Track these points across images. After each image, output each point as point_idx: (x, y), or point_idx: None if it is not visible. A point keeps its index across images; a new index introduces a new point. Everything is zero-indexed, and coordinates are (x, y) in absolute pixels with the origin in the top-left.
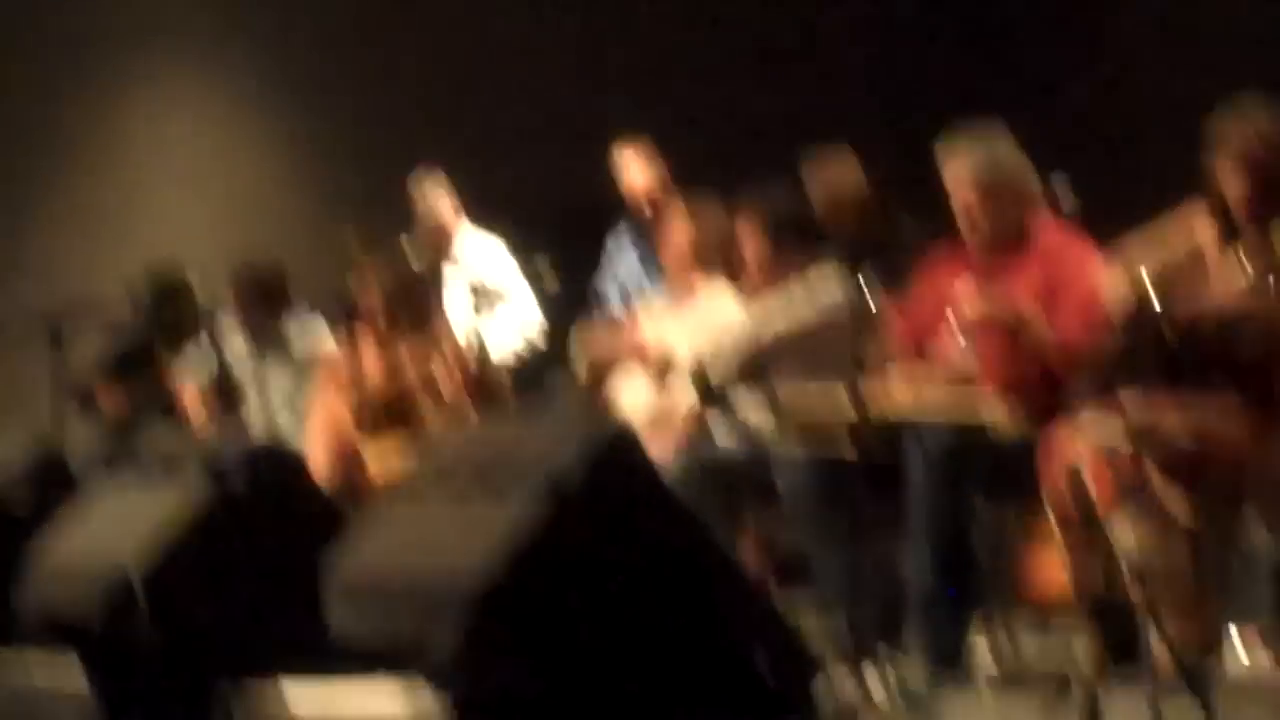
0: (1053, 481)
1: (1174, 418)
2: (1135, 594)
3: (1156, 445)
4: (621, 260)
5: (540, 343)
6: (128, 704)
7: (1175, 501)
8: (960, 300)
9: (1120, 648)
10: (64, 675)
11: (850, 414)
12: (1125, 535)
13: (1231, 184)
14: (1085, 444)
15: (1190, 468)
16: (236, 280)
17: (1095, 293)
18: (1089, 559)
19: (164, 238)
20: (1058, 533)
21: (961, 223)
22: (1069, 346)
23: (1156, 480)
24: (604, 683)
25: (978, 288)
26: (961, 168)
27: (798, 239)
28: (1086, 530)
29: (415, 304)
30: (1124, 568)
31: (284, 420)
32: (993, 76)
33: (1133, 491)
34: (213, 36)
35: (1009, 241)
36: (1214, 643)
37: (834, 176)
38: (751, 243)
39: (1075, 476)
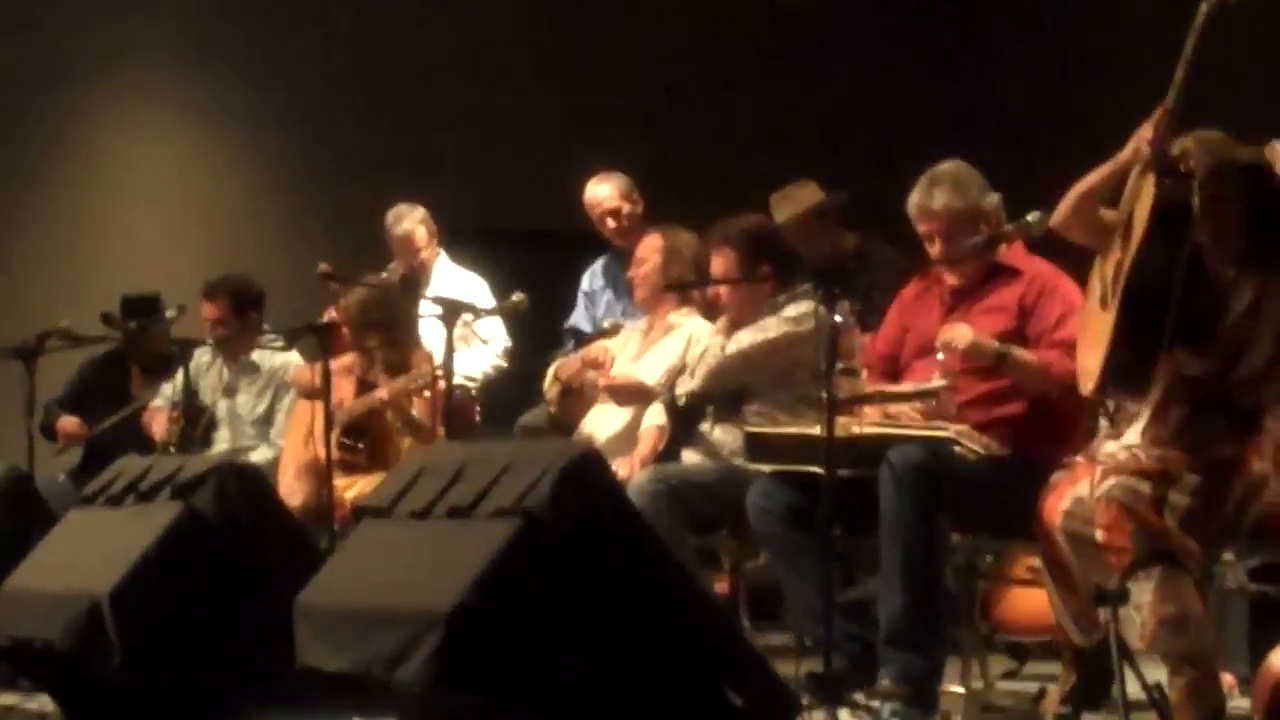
0: (1048, 521)
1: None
2: (1160, 647)
3: (1174, 486)
4: (597, 298)
5: (506, 365)
6: None
7: (1188, 551)
8: (944, 340)
9: (1094, 690)
10: (33, 700)
11: (820, 432)
12: (1145, 588)
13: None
14: (1104, 491)
15: (1203, 511)
16: (212, 291)
17: (1072, 316)
18: (1077, 603)
19: (135, 264)
20: (1048, 574)
21: (929, 252)
22: (1053, 371)
23: (1173, 527)
24: (574, 712)
25: (952, 326)
26: (923, 199)
27: (769, 263)
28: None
29: (388, 330)
30: (1142, 620)
31: (253, 443)
32: (969, 107)
33: (1152, 540)
34: (182, 62)
35: (979, 270)
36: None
37: (798, 206)
38: (722, 268)
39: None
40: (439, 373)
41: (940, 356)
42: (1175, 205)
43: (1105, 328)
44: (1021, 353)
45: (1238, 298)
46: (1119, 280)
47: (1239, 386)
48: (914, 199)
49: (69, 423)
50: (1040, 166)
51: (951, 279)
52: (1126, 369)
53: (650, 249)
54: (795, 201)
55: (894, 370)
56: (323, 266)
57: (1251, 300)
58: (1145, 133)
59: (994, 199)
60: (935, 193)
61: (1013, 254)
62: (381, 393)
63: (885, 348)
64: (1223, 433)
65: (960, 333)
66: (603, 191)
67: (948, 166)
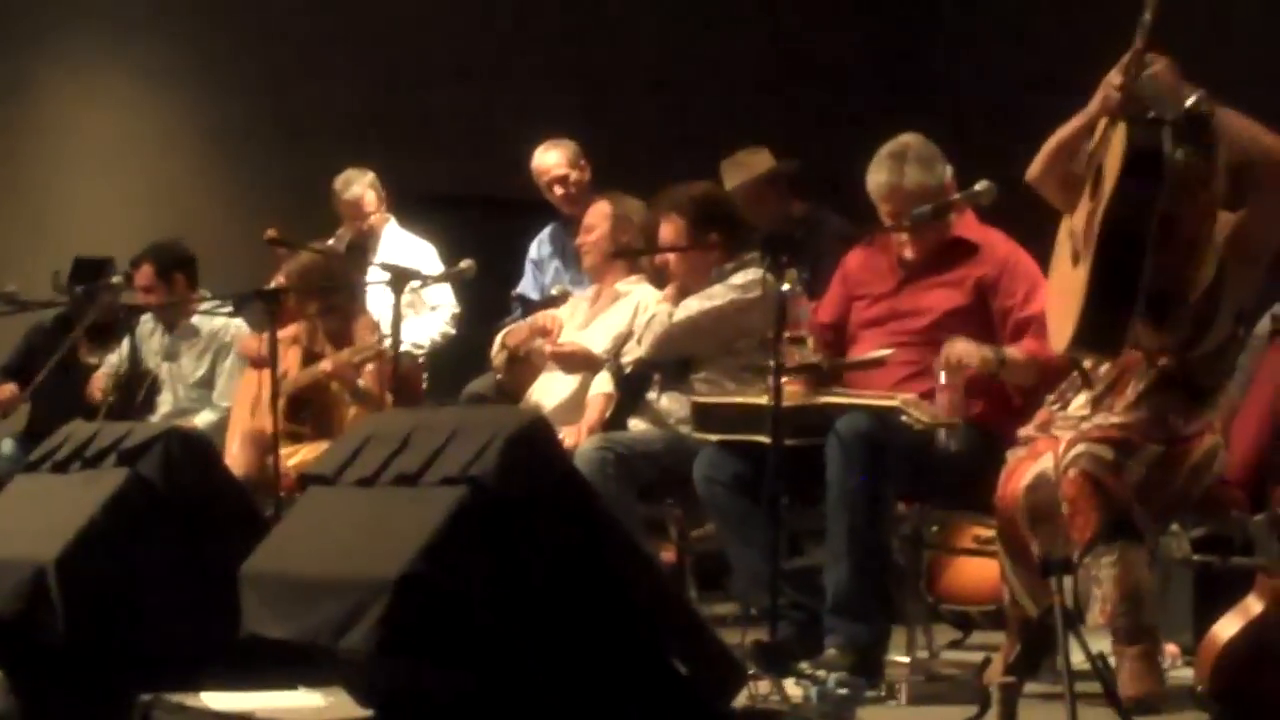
0: (1009, 503)
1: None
2: (1118, 621)
3: (1132, 456)
4: (544, 266)
5: (455, 332)
6: (42, 697)
7: (1144, 520)
8: (949, 361)
9: (1037, 660)
10: None
11: (766, 399)
12: (1107, 564)
13: None
14: (1070, 459)
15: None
16: (138, 258)
17: (1038, 290)
18: (1033, 577)
19: (82, 230)
20: (1004, 553)
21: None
22: (1043, 360)
23: (1135, 499)
24: (520, 680)
25: (952, 344)
26: (892, 177)
27: (718, 230)
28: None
29: (334, 296)
30: (1103, 594)
31: (195, 406)
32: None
33: (1115, 509)
34: (128, 28)
35: (934, 242)
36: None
37: (748, 173)
38: (671, 235)
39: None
40: (385, 344)
41: (942, 378)
42: (1147, 151)
43: (1078, 285)
44: (1014, 353)
45: (1203, 271)
46: (1091, 233)
47: (1199, 364)
48: (881, 177)
49: (3, 390)
50: (988, 136)
51: (906, 250)
52: (1100, 328)
53: (598, 216)
54: (746, 168)
55: (838, 340)
56: (270, 232)
57: (1215, 277)
58: (1113, 79)
59: (949, 170)
60: (907, 170)
61: (966, 226)
62: (326, 364)
63: (828, 317)
64: (1181, 409)
65: (965, 352)
66: (550, 159)
67: (909, 140)
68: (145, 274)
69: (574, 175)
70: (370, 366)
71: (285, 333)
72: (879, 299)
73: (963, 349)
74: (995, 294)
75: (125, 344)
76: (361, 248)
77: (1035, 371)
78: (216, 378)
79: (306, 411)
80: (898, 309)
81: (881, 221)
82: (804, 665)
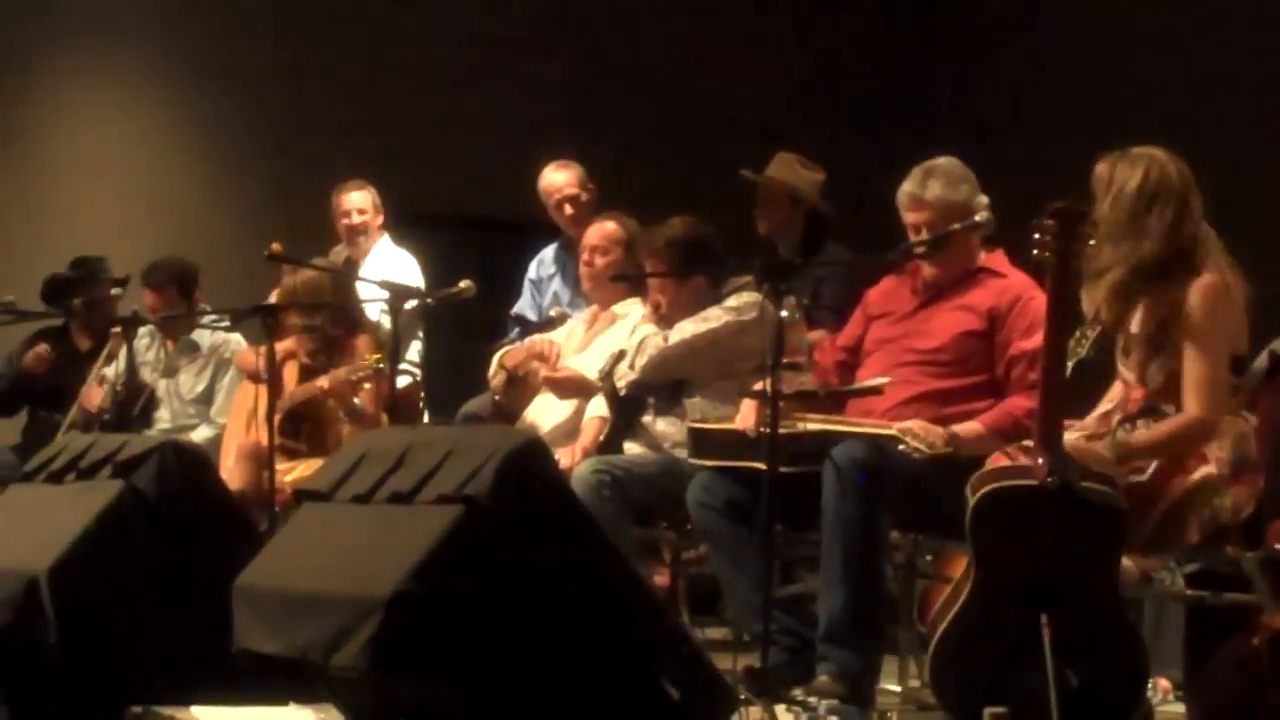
0: None
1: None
2: None
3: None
4: (543, 286)
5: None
6: (32, 708)
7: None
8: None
9: None
10: None
11: (762, 425)
12: None
13: None
14: None
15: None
16: (157, 280)
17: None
18: None
19: (77, 242)
20: None
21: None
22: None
23: None
24: (512, 700)
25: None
26: (915, 188)
27: (699, 267)
28: None
29: (330, 314)
30: None
31: (193, 422)
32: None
33: None
34: (126, 31)
35: (961, 269)
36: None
37: (792, 178)
38: (655, 280)
39: None
40: (381, 364)
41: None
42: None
43: None
44: (970, 428)
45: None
46: None
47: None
48: (906, 186)
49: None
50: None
51: (930, 271)
52: None
53: (604, 238)
54: (793, 175)
55: (853, 363)
56: (275, 246)
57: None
58: None
59: (983, 201)
60: (929, 183)
61: (995, 260)
62: (323, 382)
63: (846, 341)
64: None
65: (920, 439)
66: (560, 178)
67: (943, 159)
68: (164, 294)
69: (584, 196)
70: (367, 385)
71: (283, 346)
72: (897, 320)
73: (920, 433)
74: (1002, 325)
75: (122, 357)
76: (358, 265)
77: (995, 442)
78: (215, 393)
79: (302, 428)
80: (911, 329)
81: (887, 251)
82: (796, 692)
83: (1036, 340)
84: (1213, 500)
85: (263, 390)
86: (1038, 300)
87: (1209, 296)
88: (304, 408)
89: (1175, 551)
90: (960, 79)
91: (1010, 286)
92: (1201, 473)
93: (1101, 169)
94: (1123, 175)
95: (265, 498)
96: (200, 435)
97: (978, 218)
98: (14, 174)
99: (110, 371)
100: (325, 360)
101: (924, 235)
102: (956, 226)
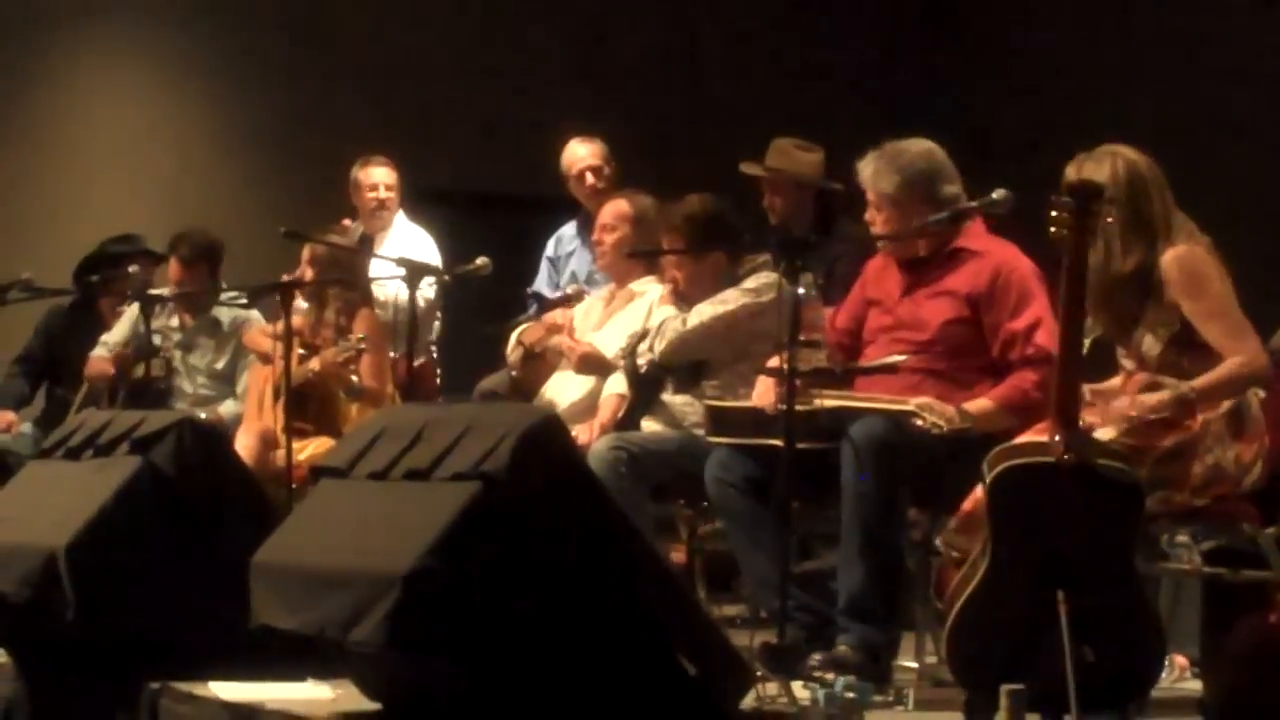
0: None
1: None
2: None
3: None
4: (561, 264)
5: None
6: (51, 684)
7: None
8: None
9: None
10: None
11: (780, 402)
12: None
13: None
14: None
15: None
16: (179, 246)
17: (1032, 299)
18: None
19: (95, 216)
20: None
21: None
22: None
23: None
24: (528, 676)
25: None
26: (869, 173)
27: (717, 243)
28: None
29: (348, 289)
30: None
31: (214, 394)
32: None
33: None
34: (146, 16)
35: (937, 251)
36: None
37: (792, 167)
38: (670, 245)
39: None
40: (363, 345)
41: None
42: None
43: None
44: (981, 405)
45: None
46: None
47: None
48: (868, 167)
49: (2, 418)
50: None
51: (903, 253)
52: None
53: (616, 216)
54: (792, 162)
55: (855, 345)
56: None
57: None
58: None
59: (954, 188)
60: (891, 165)
61: (970, 235)
62: (313, 364)
63: (845, 322)
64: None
65: (934, 416)
66: (584, 149)
67: (913, 144)
68: (195, 269)
69: (606, 169)
70: (366, 362)
71: (299, 319)
72: (888, 308)
73: (936, 408)
74: (988, 308)
75: (124, 324)
76: (373, 241)
77: (1006, 417)
78: (239, 371)
79: (309, 407)
80: (902, 319)
81: (894, 230)
82: (815, 659)
83: (1028, 316)
84: (1215, 448)
85: (270, 371)
86: (1019, 271)
87: (1184, 260)
88: (306, 388)
89: (1178, 493)
90: (963, 76)
91: (985, 266)
92: (1200, 420)
93: (1069, 171)
94: (1089, 175)
95: (279, 477)
96: (227, 410)
97: (995, 196)
98: (31, 153)
99: (109, 337)
100: (333, 337)
101: (882, 214)
102: (973, 204)
